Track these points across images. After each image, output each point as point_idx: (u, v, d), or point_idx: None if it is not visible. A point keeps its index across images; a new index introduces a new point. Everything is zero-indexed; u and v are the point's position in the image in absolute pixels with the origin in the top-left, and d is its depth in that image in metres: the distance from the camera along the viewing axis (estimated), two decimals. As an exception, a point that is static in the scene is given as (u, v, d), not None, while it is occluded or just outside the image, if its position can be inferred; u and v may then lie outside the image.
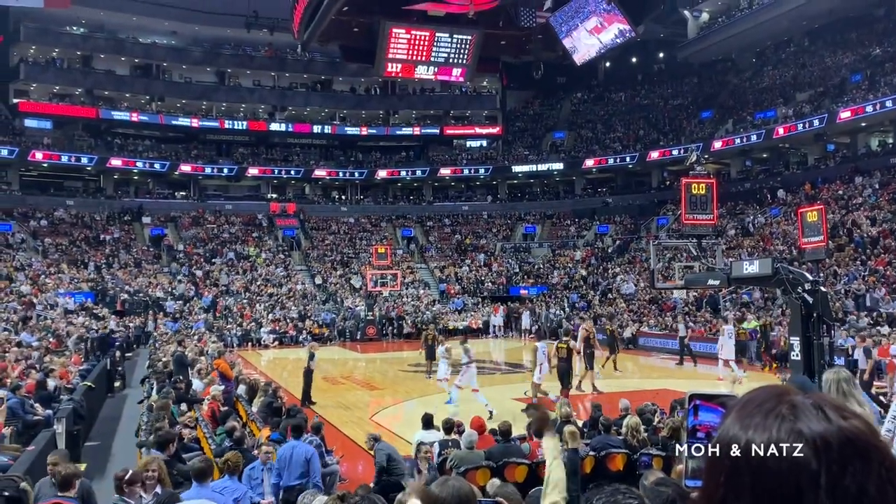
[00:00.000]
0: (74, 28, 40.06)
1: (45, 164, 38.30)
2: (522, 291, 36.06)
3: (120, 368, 18.82)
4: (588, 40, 15.76)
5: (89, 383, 12.30)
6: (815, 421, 0.83)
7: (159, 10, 39.41)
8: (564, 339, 14.34)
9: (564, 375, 13.85)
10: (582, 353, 15.88)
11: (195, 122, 42.58)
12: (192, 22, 40.19)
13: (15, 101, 39.07)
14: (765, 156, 38.43)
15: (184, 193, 42.73)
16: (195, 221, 40.10)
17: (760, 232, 31.23)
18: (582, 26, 15.63)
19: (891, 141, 32.70)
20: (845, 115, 31.36)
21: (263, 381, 13.07)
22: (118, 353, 19.68)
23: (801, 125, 33.33)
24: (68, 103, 40.45)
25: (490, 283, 37.59)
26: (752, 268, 11.40)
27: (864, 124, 32.11)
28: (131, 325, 27.65)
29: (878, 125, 32.57)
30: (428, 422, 8.86)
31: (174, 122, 42.35)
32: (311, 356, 15.17)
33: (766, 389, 0.92)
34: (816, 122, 32.62)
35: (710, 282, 12.62)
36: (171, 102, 43.13)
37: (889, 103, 29.62)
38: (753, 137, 35.52)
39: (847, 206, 29.26)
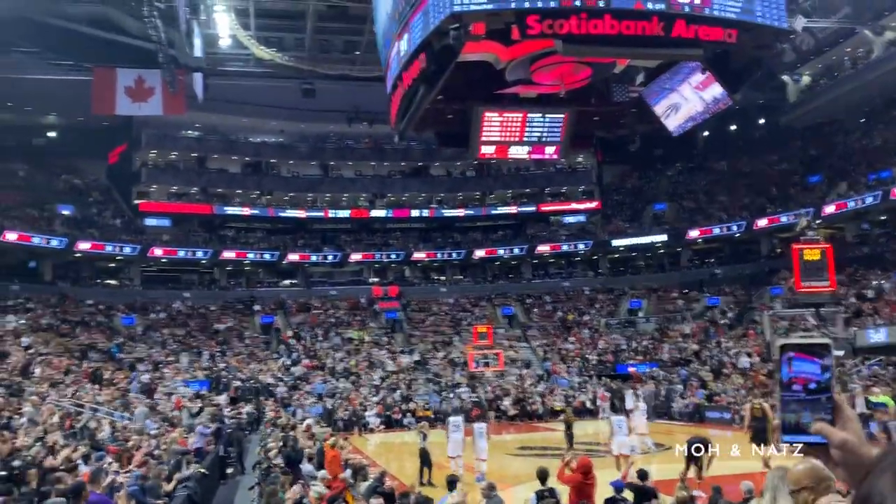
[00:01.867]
0: (190, 132, 43.20)
1: (165, 260, 40.71)
2: (631, 369, 34.83)
3: (233, 453, 19.22)
4: (687, 102, 15.56)
5: (203, 469, 12.60)
6: None
7: (267, 112, 42.18)
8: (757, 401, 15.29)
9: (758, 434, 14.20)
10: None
11: (302, 214, 44.62)
12: (297, 120, 42.59)
13: (137, 202, 42.06)
14: (883, 218, 36.35)
15: (293, 281, 44.35)
16: (302, 307, 41.35)
17: (886, 298, 29.22)
18: (676, 91, 15.50)
19: None
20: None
21: (367, 465, 13.04)
22: (232, 439, 20.12)
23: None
24: (185, 201, 43.25)
25: (596, 361, 36.59)
26: (878, 336, 10.63)
27: None
28: (244, 410, 28.35)
29: None
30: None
31: (282, 215, 44.47)
32: (424, 437, 15.35)
33: None
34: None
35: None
36: (278, 196, 45.41)
37: None
38: (869, 199, 33.76)
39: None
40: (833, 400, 1.21)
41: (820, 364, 1.25)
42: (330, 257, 44.21)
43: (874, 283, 31.11)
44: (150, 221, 42.05)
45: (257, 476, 12.49)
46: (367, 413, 29.55)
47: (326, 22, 30.13)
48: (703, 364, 32.82)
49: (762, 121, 44.90)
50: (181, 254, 40.55)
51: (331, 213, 45.18)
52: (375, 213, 46.11)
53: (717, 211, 42.96)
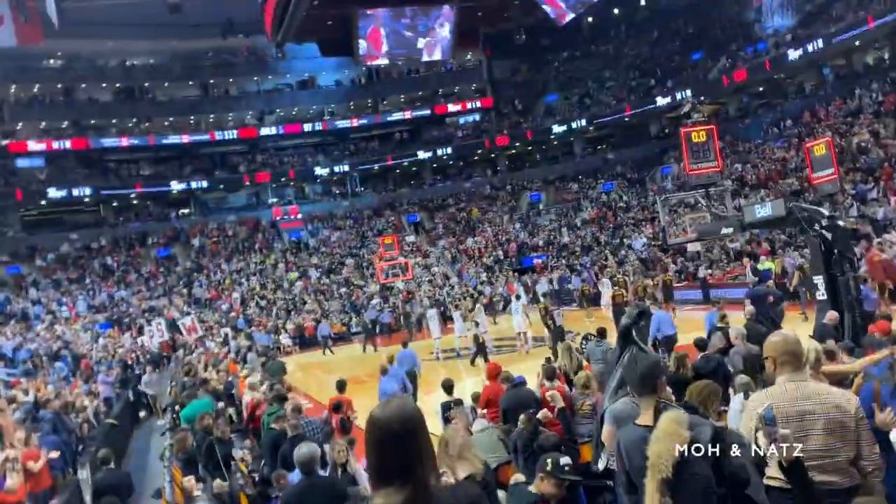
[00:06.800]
0: (52, 61, 39.73)
1: (44, 202, 38.39)
2: (536, 261, 35.63)
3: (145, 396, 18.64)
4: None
5: (112, 421, 12.16)
6: None
7: (134, 31, 38.75)
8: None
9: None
10: None
11: (186, 138, 42.30)
12: (167, 38, 39.55)
13: (4, 142, 38.60)
14: (761, 89, 37.73)
15: (184, 211, 42.57)
16: (199, 236, 39.94)
17: (767, 169, 30.62)
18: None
19: (887, 56, 31.98)
20: (838, 37, 30.65)
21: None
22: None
23: (793, 53, 32.63)
24: (56, 137, 40.05)
25: (502, 256, 37.20)
26: (765, 211, 11.06)
27: (857, 43, 31.39)
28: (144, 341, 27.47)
29: (872, 42, 31.83)
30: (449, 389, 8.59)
31: (165, 142, 42.06)
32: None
33: None
34: (809, 48, 31.93)
35: (724, 230, 12.28)
36: (158, 122, 42.78)
37: (879, 20, 28.95)
38: (746, 72, 34.86)
39: (851, 128, 28.62)
40: None
41: None
42: (223, 181, 42.55)
43: (752, 153, 32.49)
44: (23, 162, 39.05)
45: (167, 422, 12.07)
46: (280, 337, 29.16)
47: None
48: (603, 248, 33.90)
49: (643, 2, 45.17)
50: (58, 194, 37.98)
51: (217, 135, 43.05)
52: (266, 130, 44.27)
53: (607, 97, 43.51)
